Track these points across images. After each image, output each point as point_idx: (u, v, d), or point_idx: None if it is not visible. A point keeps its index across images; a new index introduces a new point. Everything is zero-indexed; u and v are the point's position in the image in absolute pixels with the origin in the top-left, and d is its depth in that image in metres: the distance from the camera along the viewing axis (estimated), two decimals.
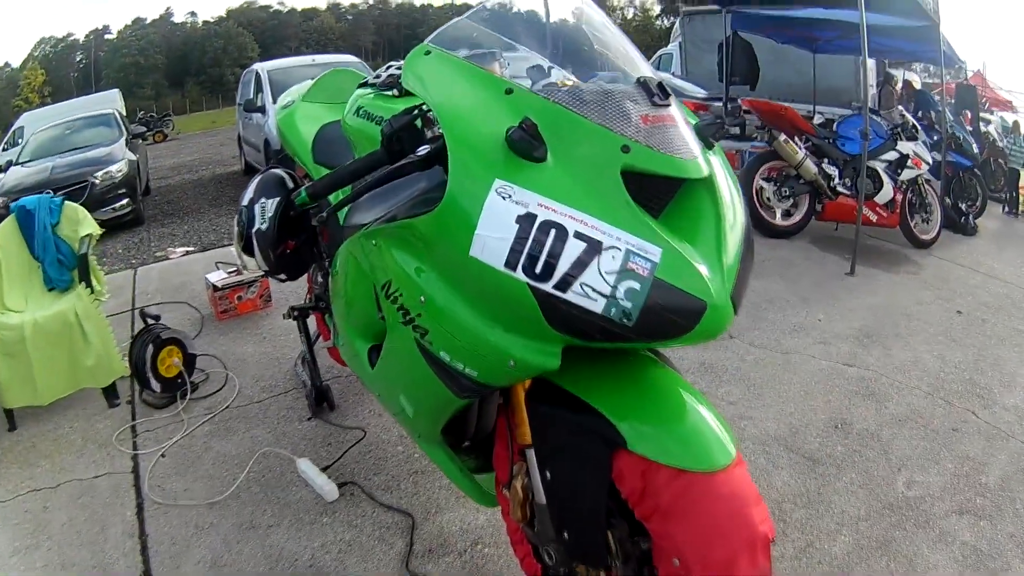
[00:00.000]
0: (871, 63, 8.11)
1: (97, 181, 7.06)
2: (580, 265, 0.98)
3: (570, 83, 1.24)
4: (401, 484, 2.23)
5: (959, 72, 10.48)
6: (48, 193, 6.30)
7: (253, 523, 2.08)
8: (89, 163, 7.38)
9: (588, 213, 1.01)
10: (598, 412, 1.11)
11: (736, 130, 6.66)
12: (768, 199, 5.10)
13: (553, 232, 0.99)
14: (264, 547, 1.99)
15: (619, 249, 0.98)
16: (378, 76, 1.88)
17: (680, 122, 1.15)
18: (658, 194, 1.12)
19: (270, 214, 1.92)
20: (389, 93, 1.79)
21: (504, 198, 1.02)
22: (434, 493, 2.18)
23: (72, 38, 56.76)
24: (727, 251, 1.09)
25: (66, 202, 3.23)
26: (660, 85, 1.16)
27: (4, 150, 10.83)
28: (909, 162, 5.12)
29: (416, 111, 1.28)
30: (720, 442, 1.08)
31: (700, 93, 8.66)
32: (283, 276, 2.13)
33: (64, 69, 52.58)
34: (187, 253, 5.75)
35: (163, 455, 2.49)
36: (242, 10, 67.27)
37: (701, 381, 2.89)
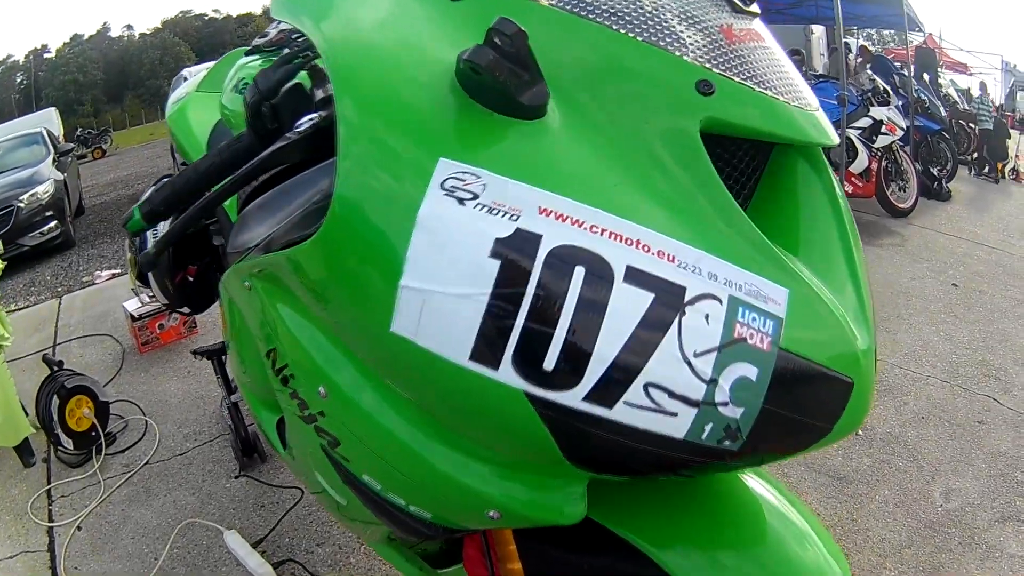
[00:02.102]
0: (821, 30, 8.08)
1: (23, 204, 6.45)
2: (645, 343, 0.50)
3: None
4: (351, 557, 1.86)
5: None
6: None
7: None
8: (13, 186, 6.77)
9: (646, 223, 0.52)
10: (629, 545, 0.69)
11: None
12: None
13: (580, 273, 0.49)
14: None
15: (718, 299, 0.51)
16: (265, 35, 1.40)
17: (777, 49, 0.69)
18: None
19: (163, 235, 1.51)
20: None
21: (462, 200, 0.52)
22: (392, 569, 1.80)
23: (12, 59, 54.57)
24: (863, 278, 0.64)
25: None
26: None
27: None
28: (883, 128, 4.89)
29: (298, 59, 0.78)
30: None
31: None
32: (186, 309, 1.73)
33: (6, 92, 50.79)
34: (113, 276, 5.19)
35: (79, 527, 2.10)
36: (177, 20, 65.72)
37: None
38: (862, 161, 4.78)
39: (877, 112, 4.89)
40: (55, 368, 2.54)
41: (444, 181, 0.52)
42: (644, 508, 0.72)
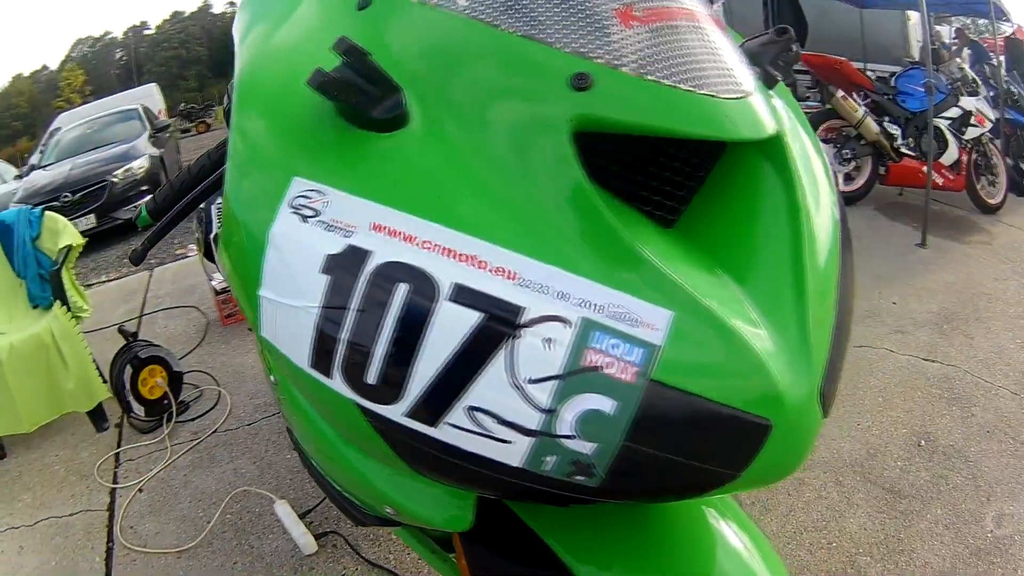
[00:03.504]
0: (916, 16, 7.57)
1: (117, 179, 6.70)
2: (466, 366, 0.48)
3: None
4: (392, 533, 1.93)
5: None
6: (67, 196, 6.36)
7: None
8: (108, 161, 6.96)
9: (490, 237, 0.50)
10: (550, 552, 0.68)
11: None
12: (828, 162, 4.61)
13: (403, 291, 0.49)
14: None
15: (563, 321, 0.47)
16: None
17: (707, 25, 0.60)
18: (673, 173, 0.62)
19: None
20: None
21: (305, 217, 0.53)
22: None
23: (110, 36, 57.06)
24: (813, 294, 0.55)
25: (46, 213, 3.01)
26: None
27: (41, 153, 10.89)
28: (972, 119, 4.56)
29: None
30: None
31: None
32: None
33: (104, 68, 53.38)
34: None
35: (141, 490, 2.28)
36: None
37: None
38: (952, 153, 4.46)
39: (967, 102, 4.55)
40: (130, 339, 2.73)
41: (294, 199, 0.54)
42: (580, 523, 0.71)
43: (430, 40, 0.60)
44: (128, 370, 2.60)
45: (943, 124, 4.49)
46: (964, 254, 3.89)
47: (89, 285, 4.93)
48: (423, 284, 0.48)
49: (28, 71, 57.66)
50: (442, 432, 0.50)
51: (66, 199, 6.29)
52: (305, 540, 1.84)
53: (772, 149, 0.60)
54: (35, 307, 2.89)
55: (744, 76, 0.58)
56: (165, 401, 2.66)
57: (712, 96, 0.53)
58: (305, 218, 0.53)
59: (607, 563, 0.67)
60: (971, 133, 4.55)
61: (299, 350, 0.53)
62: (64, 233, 2.91)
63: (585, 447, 0.48)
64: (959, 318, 3.00)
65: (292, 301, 0.53)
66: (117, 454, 2.53)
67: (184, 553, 1.93)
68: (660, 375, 0.47)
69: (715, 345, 0.49)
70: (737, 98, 0.55)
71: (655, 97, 0.52)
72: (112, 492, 2.30)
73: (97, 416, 2.71)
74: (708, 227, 0.60)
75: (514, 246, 0.49)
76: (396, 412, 0.50)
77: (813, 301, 0.54)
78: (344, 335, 0.50)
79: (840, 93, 4.48)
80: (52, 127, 10.65)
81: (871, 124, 4.46)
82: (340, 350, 0.51)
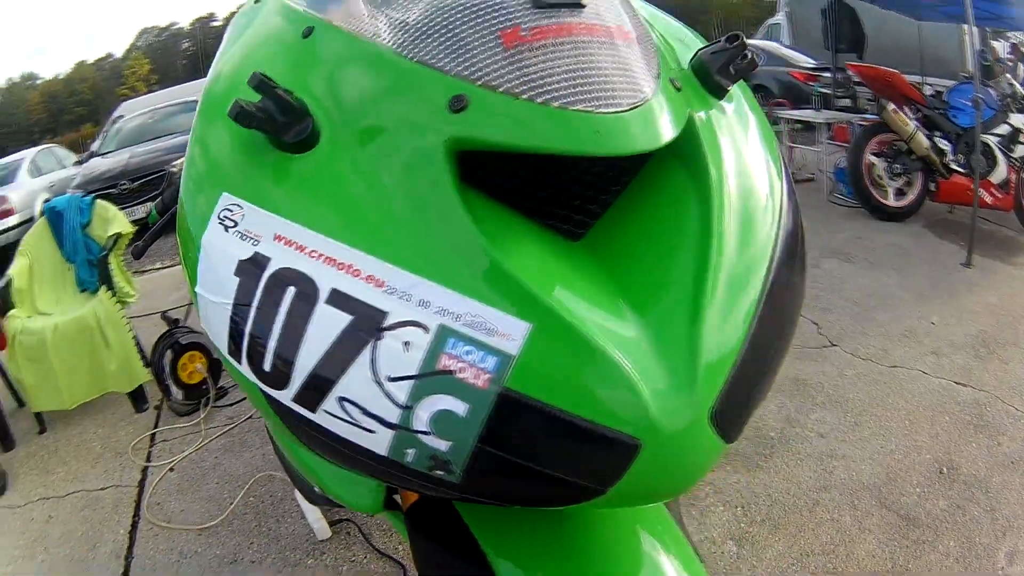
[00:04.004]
0: (974, 31, 7.32)
1: (175, 170, 6.79)
2: (338, 361, 0.54)
3: None
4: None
5: None
6: (124, 184, 6.60)
7: (236, 557, 1.91)
8: (168, 151, 7.11)
9: (366, 248, 0.55)
10: (477, 547, 0.72)
11: (847, 101, 6.18)
12: (879, 176, 4.50)
13: (291, 293, 0.55)
14: None
15: (422, 327, 0.51)
16: None
17: (603, 38, 0.61)
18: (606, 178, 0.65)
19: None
20: None
21: (228, 228, 0.60)
22: None
23: (177, 27, 58.38)
24: (714, 314, 0.56)
25: (97, 201, 3.16)
26: None
27: (102, 140, 11.18)
28: (1021, 136, 4.39)
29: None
30: None
31: (809, 63, 8.21)
32: None
33: (170, 58, 54.86)
34: None
35: (172, 469, 2.39)
36: None
37: (790, 403, 2.45)
38: (1001, 171, 4.30)
39: (1017, 120, 4.39)
40: (172, 325, 2.86)
41: (221, 211, 0.62)
42: (510, 520, 0.74)
43: (344, 67, 0.65)
44: (168, 355, 2.72)
45: (992, 141, 4.34)
46: (1009, 276, 3.75)
47: (143, 271, 5.14)
48: (307, 287, 0.55)
49: (92, 59, 59.70)
50: (320, 417, 0.56)
51: (123, 187, 6.47)
52: (320, 526, 1.90)
53: (692, 160, 0.62)
54: (83, 291, 3.05)
55: (641, 86, 0.59)
56: (204, 386, 2.77)
57: (587, 112, 0.55)
58: (227, 228, 0.61)
59: (525, 561, 0.70)
60: (1021, 151, 4.39)
61: (221, 340, 0.61)
62: (114, 221, 3.06)
63: (441, 444, 0.52)
64: (997, 342, 2.91)
65: (215, 298, 0.60)
66: (153, 434, 2.65)
67: (205, 531, 2.02)
68: (514, 383, 0.50)
69: (576, 360, 0.51)
70: (620, 111, 0.56)
71: (526, 117, 0.55)
72: (144, 470, 2.42)
73: (137, 397, 2.84)
74: (618, 240, 0.62)
75: (385, 256, 0.54)
76: (286, 397, 0.57)
77: (713, 322, 0.55)
78: (248, 328, 0.57)
79: (891, 106, 4.38)
80: (115, 115, 10.86)
81: (922, 139, 4.35)
82: (246, 340, 0.58)
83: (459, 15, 0.60)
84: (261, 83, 0.59)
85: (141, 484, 2.34)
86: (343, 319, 0.53)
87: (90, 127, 35.33)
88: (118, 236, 2.98)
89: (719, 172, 0.62)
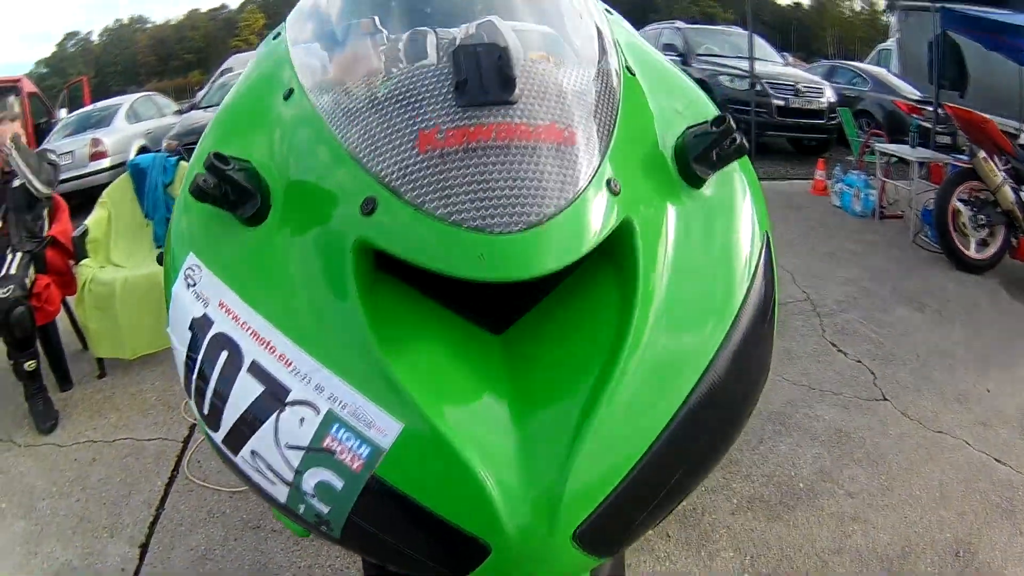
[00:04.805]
0: None
1: None
2: (249, 421, 0.61)
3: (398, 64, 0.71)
4: None
5: None
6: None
7: (259, 524, 2.00)
8: None
9: (286, 332, 0.61)
10: None
11: (947, 139, 6.03)
12: (964, 224, 4.29)
13: (224, 356, 0.62)
14: (255, 552, 1.91)
15: (315, 409, 0.58)
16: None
17: (523, 141, 0.59)
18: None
19: None
20: None
21: (189, 285, 0.69)
22: None
23: (226, 11, 58.00)
24: (598, 434, 0.56)
25: (181, 162, 3.33)
26: (505, 60, 0.60)
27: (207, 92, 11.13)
28: None
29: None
30: None
31: (915, 94, 7.90)
32: None
33: (286, 14, 55.70)
34: None
35: None
36: None
37: (827, 455, 2.37)
38: None
39: None
40: None
41: (186, 269, 0.71)
42: None
43: (298, 143, 0.71)
44: None
45: None
46: None
47: None
48: (235, 355, 0.62)
49: (206, 8, 61.49)
50: (240, 461, 0.64)
51: None
52: None
53: (623, 267, 0.62)
54: (158, 248, 3.22)
55: (551, 200, 0.58)
56: None
57: (478, 231, 0.56)
58: (188, 286, 0.70)
59: None
60: None
61: (180, 377, 0.70)
62: None
63: (323, 508, 0.60)
64: None
65: (176, 341, 0.70)
66: None
67: (236, 495, 2.12)
68: (382, 472, 0.57)
69: (439, 463, 0.55)
70: (514, 232, 0.56)
71: (420, 231, 0.58)
72: (192, 427, 2.54)
73: None
74: (533, 340, 0.64)
75: (296, 339, 0.61)
76: (217, 438, 0.66)
77: (596, 445, 0.56)
78: (195, 374, 0.66)
79: (982, 154, 4.16)
80: (223, 67, 10.65)
81: (1007, 192, 4.11)
82: (193, 384, 0.67)
83: (391, 107, 0.62)
84: (212, 166, 0.65)
85: (186, 441, 2.47)
86: (257, 388, 0.61)
87: (198, 74, 36.48)
88: None
89: (648, 283, 0.61)
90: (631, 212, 0.62)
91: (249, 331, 0.61)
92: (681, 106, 0.78)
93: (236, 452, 0.63)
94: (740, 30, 7.79)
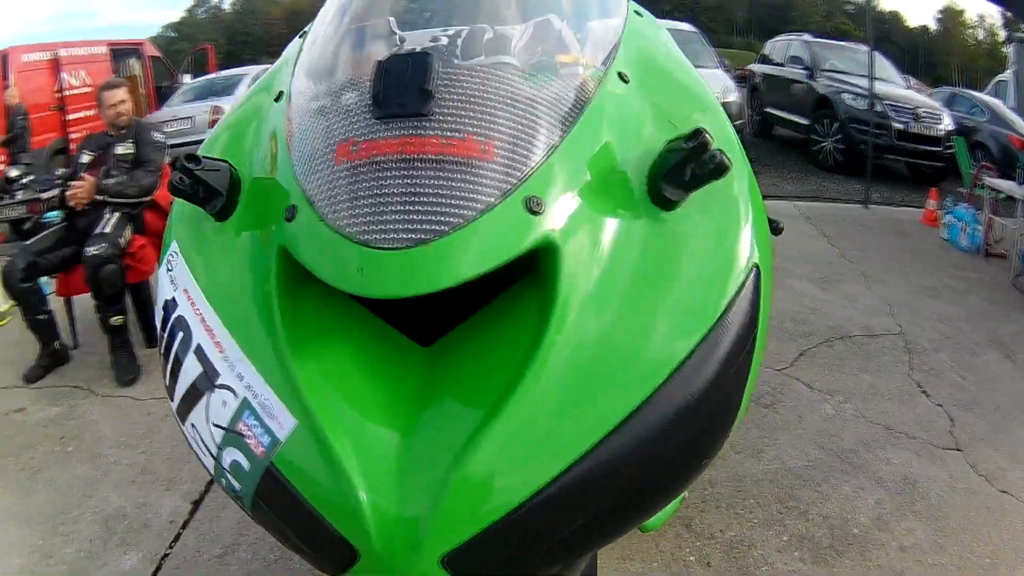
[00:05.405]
0: None
1: None
2: (192, 396, 0.67)
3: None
4: None
5: None
6: None
7: None
8: None
9: (224, 321, 0.67)
10: None
11: None
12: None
13: (180, 336, 0.70)
14: None
15: (235, 393, 0.63)
16: None
17: (455, 153, 0.58)
18: None
19: None
20: None
21: (168, 270, 0.76)
22: None
23: None
24: (484, 465, 0.55)
25: None
26: (423, 72, 0.59)
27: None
28: None
29: None
30: None
31: None
32: None
33: None
34: None
35: None
36: None
37: (889, 502, 2.24)
38: None
39: None
40: None
41: (168, 255, 0.76)
42: None
43: (265, 148, 0.76)
44: None
45: None
46: None
47: None
48: (188, 337, 0.68)
49: None
50: (186, 431, 0.70)
51: None
52: None
53: (544, 291, 0.59)
54: None
55: (449, 218, 0.57)
56: None
57: (366, 246, 0.57)
58: (167, 270, 0.76)
59: None
60: None
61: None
62: None
63: (236, 484, 0.65)
64: None
65: (156, 316, 0.76)
66: None
67: None
68: (278, 462, 0.61)
69: (322, 463, 0.59)
70: (401, 248, 0.56)
71: (320, 242, 0.61)
72: None
73: None
74: (456, 354, 0.64)
75: (231, 329, 0.66)
76: (174, 407, 0.72)
77: (483, 474, 0.55)
78: (162, 350, 0.73)
79: None
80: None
81: None
82: (161, 356, 0.73)
83: (327, 117, 0.65)
84: (182, 166, 0.70)
85: None
86: (198, 369, 0.67)
87: None
88: None
89: (564, 313, 0.57)
90: (557, 234, 0.58)
91: (200, 318, 0.68)
92: (680, 118, 0.71)
93: (183, 422, 0.70)
94: (867, 48, 7.47)
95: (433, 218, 0.57)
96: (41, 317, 2.91)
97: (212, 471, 0.67)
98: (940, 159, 7.44)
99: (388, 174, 0.59)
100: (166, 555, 1.91)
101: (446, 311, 0.67)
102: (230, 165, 0.73)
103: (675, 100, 0.74)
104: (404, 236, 0.57)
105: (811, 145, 8.27)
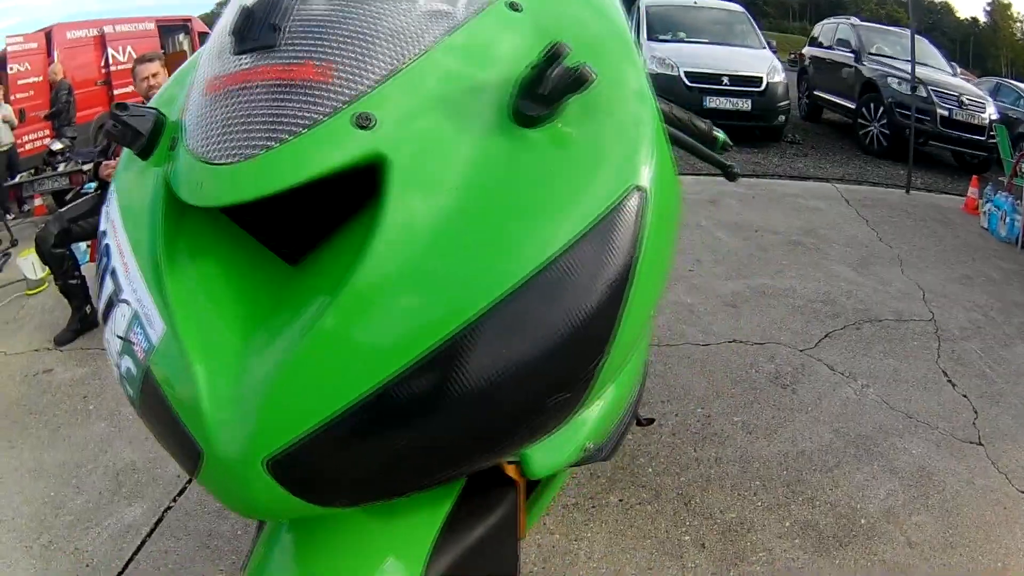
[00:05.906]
0: None
1: None
2: (107, 313, 0.74)
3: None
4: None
5: None
6: None
7: None
8: None
9: (131, 244, 0.72)
10: None
11: None
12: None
13: (103, 262, 0.76)
14: None
15: (129, 305, 0.69)
16: None
17: (292, 77, 0.62)
18: None
19: None
20: None
21: (105, 208, 0.81)
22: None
23: None
24: (303, 368, 0.58)
25: None
26: (273, 7, 0.66)
27: None
28: None
29: None
30: None
31: None
32: None
33: None
34: None
35: None
36: None
37: (902, 494, 2.17)
38: None
39: None
40: None
41: (111, 191, 0.81)
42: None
43: (184, 86, 0.81)
44: None
45: None
46: None
47: None
48: (108, 262, 0.75)
49: None
50: (105, 346, 0.75)
51: None
52: None
53: (377, 203, 0.62)
54: None
55: (277, 134, 0.61)
56: None
57: (206, 163, 0.63)
58: (105, 208, 0.81)
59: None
60: None
61: None
62: None
63: (130, 390, 0.69)
64: None
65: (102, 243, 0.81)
66: None
67: None
68: (151, 364, 0.65)
69: (177, 366, 0.63)
70: (235, 163, 0.61)
71: (180, 165, 0.68)
72: None
73: None
74: (313, 270, 0.70)
75: (133, 249, 0.71)
76: (110, 332, 0.74)
77: (302, 378, 0.58)
78: (98, 271, 0.78)
79: None
80: None
81: None
82: (97, 278, 0.78)
83: (208, 60, 0.73)
84: (112, 114, 0.74)
85: None
86: (111, 287, 0.72)
87: None
88: None
89: (392, 222, 0.60)
90: (387, 149, 0.60)
91: (115, 241, 0.73)
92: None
93: (106, 339, 0.75)
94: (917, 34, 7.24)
95: (266, 135, 0.62)
96: (73, 282, 3.03)
97: (118, 380, 0.72)
98: (984, 148, 7.26)
99: (232, 101, 0.65)
100: (169, 507, 1.98)
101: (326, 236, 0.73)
102: (156, 111, 0.76)
103: (574, 34, 0.71)
104: (238, 152, 0.62)
105: (857, 129, 8.06)
